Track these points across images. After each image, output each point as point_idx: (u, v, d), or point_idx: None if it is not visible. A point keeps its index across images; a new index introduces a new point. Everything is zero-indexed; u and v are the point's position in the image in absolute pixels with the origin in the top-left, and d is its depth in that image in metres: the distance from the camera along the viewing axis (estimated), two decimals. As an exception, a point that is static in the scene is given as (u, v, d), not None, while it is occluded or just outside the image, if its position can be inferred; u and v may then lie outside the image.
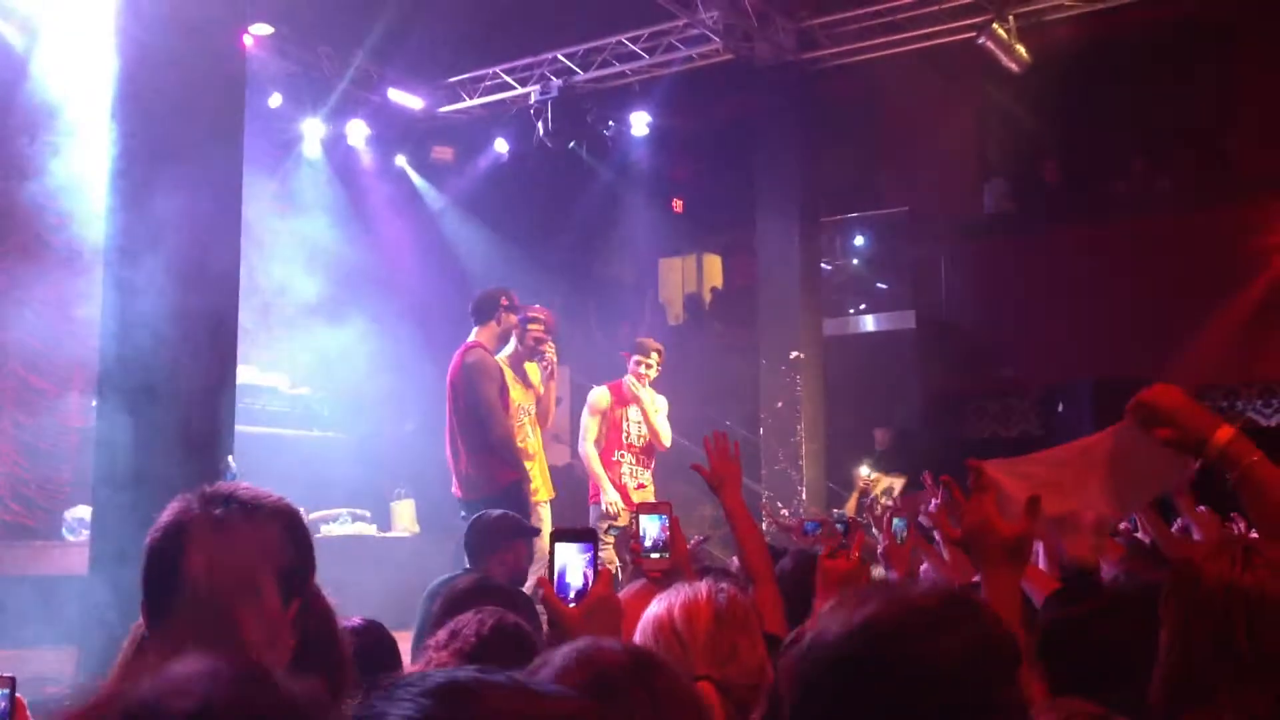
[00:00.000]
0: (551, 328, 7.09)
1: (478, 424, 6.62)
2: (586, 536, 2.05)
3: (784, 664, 1.28)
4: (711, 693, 1.91)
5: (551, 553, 2.03)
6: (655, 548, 2.60)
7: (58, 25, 8.25)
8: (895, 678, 1.16)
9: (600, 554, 6.16)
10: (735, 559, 4.19)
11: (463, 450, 6.74)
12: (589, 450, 7.53)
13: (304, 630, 1.87)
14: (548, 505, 7.02)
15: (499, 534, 4.79)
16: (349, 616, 3.03)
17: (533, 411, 7.11)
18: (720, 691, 1.93)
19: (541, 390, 7.16)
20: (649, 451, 7.71)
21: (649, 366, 7.64)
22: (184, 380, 4.98)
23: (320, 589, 2.50)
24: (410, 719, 0.73)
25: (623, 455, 7.58)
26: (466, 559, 4.80)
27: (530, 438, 7.02)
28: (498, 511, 5.02)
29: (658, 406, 7.65)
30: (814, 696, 1.19)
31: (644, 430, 7.61)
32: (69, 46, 8.10)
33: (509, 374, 6.91)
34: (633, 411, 7.63)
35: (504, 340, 6.97)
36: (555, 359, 7.04)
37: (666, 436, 7.67)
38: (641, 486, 7.58)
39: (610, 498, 7.36)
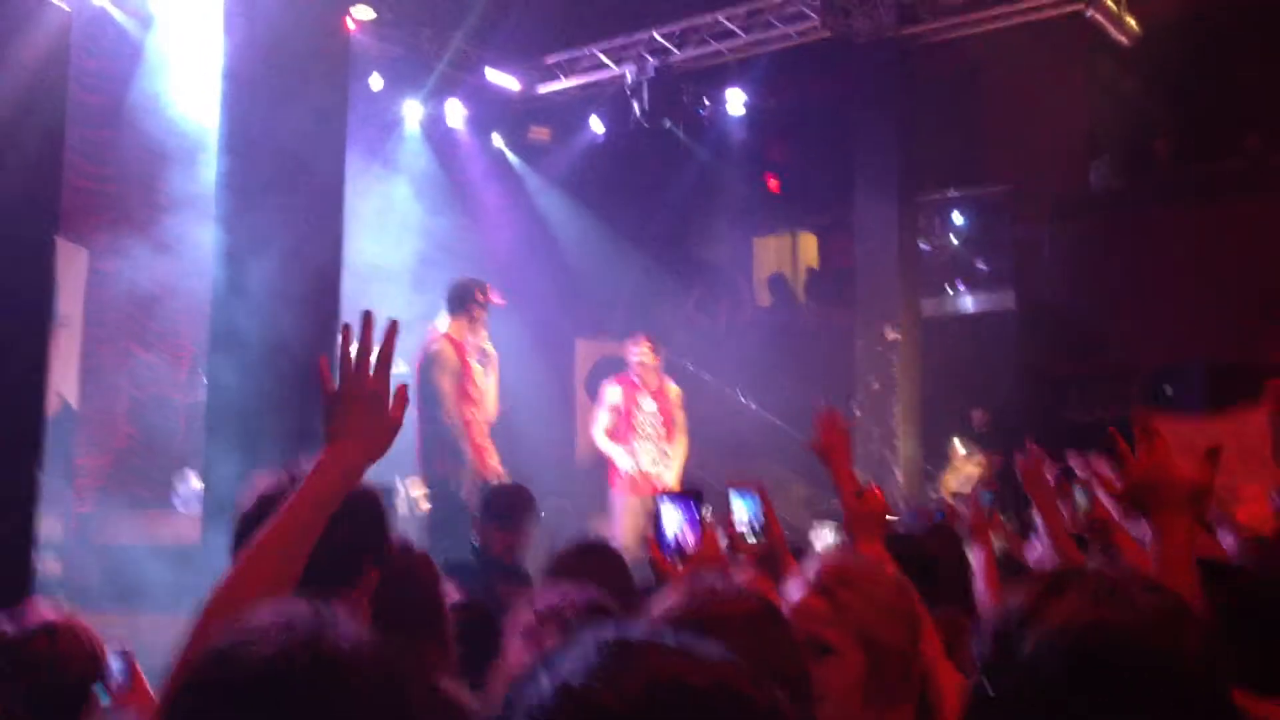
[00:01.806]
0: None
1: (429, 412, 6.74)
2: (690, 496, 2.05)
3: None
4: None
5: (657, 512, 2.04)
6: (751, 529, 2.54)
7: (172, 13, 8.49)
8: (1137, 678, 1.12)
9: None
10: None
11: (416, 435, 6.85)
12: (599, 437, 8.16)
13: (398, 601, 1.91)
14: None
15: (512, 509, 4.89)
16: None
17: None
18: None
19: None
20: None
21: (642, 357, 8.16)
22: (291, 345, 5.10)
23: (426, 562, 2.55)
24: (583, 669, 0.76)
25: (641, 444, 8.11)
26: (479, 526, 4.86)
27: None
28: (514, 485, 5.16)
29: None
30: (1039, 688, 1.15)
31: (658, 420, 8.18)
32: (183, 33, 8.33)
33: (478, 370, 7.02)
34: (645, 402, 8.18)
35: (475, 333, 7.04)
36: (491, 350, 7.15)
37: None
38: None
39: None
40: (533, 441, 10.44)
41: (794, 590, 1.76)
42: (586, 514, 9.25)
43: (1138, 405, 11.40)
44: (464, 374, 6.89)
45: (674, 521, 2.03)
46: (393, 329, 1.73)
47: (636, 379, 8.15)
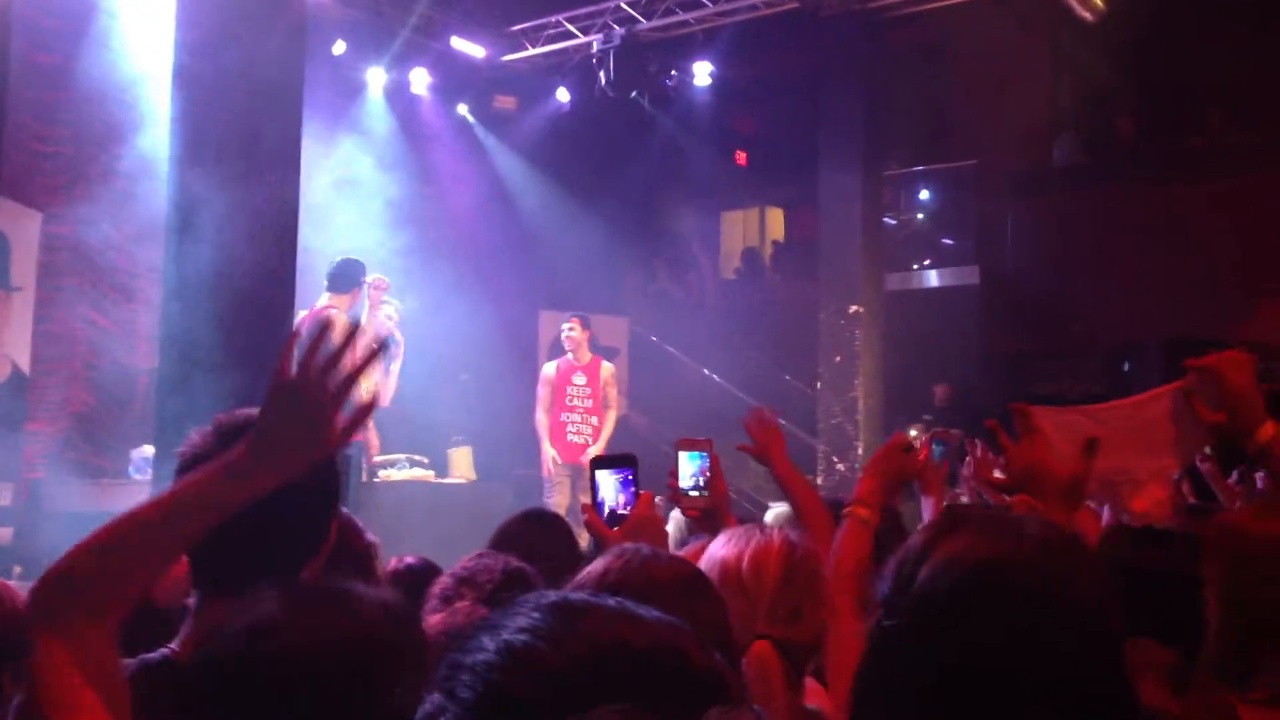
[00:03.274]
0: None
1: None
2: (625, 462, 2.05)
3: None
4: (769, 651, 1.87)
5: (593, 478, 2.03)
6: (695, 486, 2.53)
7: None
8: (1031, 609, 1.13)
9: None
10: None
11: None
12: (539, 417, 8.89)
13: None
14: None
15: None
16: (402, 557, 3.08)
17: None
18: (779, 650, 1.88)
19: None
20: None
21: (571, 333, 8.93)
22: (247, 311, 5.04)
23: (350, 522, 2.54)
24: (526, 629, 0.76)
25: (569, 417, 8.87)
26: None
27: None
28: None
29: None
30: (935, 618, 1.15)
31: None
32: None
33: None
34: (576, 377, 8.95)
35: (352, 314, 7.21)
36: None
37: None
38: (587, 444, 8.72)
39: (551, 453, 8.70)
40: (495, 412, 10.40)
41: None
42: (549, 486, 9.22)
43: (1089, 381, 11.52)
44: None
45: (609, 487, 2.02)
46: (351, 333, 1.50)
47: (570, 356, 8.91)
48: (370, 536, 2.53)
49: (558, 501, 8.44)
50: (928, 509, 3.35)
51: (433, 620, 2.22)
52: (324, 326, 1.52)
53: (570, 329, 8.93)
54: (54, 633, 1.32)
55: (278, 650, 1.17)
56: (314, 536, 1.70)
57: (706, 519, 2.43)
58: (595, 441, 8.77)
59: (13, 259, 8.37)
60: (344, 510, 2.53)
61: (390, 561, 2.97)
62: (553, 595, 0.80)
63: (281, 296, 5.47)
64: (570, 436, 8.81)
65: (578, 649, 0.75)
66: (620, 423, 12.24)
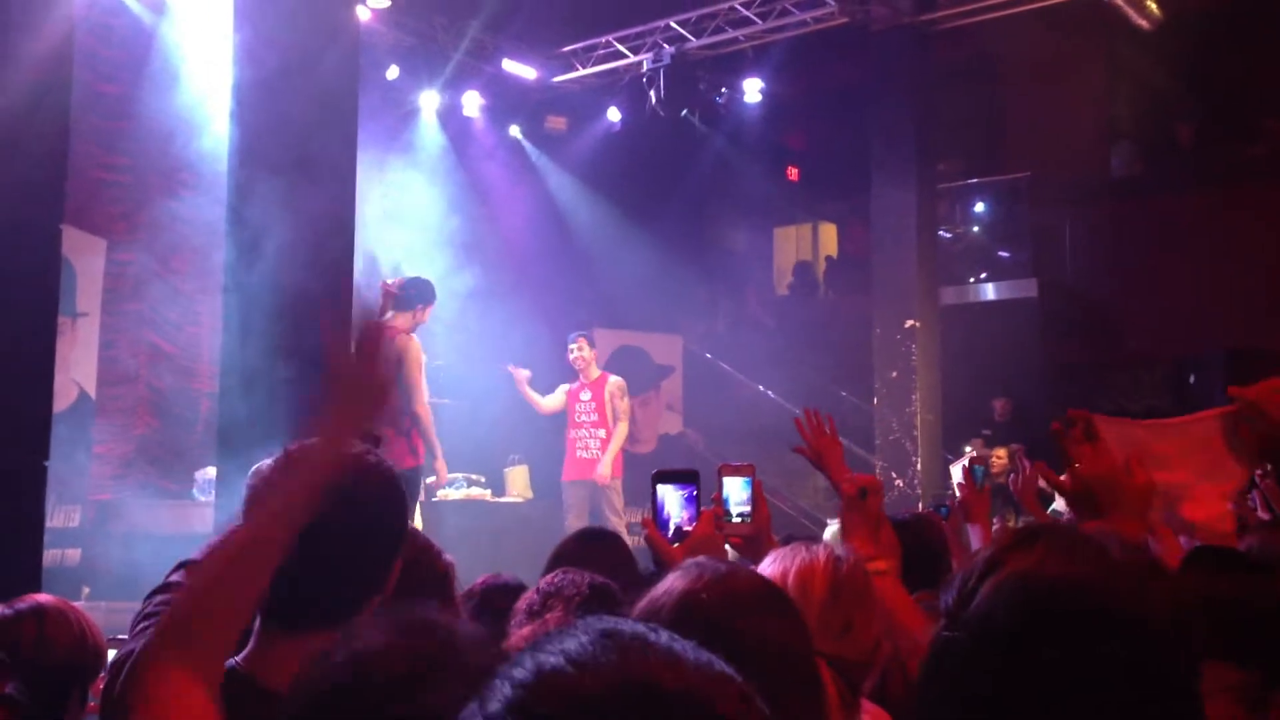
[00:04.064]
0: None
1: (402, 406, 6.86)
2: (688, 478, 2.03)
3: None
4: (823, 669, 1.84)
5: (654, 492, 2.01)
6: (739, 512, 2.51)
7: (185, 1, 8.51)
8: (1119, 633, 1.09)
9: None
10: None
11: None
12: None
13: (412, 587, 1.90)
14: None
15: None
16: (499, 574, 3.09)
17: None
18: (831, 668, 1.86)
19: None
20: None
21: (578, 352, 8.89)
22: (300, 340, 5.10)
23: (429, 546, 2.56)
24: (566, 653, 0.78)
25: (576, 434, 8.88)
26: None
27: None
28: None
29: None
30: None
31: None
32: (196, 20, 8.35)
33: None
34: (583, 394, 8.94)
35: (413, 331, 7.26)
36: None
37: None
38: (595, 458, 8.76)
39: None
40: (550, 430, 10.43)
41: None
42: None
43: (1156, 395, 11.31)
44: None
45: (674, 502, 2.01)
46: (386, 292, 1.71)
47: (578, 375, 8.92)
48: (448, 557, 2.56)
49: (571, 523, 8.33)
50: (975, 536, 3.29)
51: (522, 633, 2.24)
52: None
53: (577, 349, 8.89)
54: (164, 689, 1.33)
55: (381, 680, 1.19)
56: (378, 574, 1.71)
57: (749, 545, 2.41)
58: (603, 453, 8.71)
59: (79, 286, 8.55)
60: (421, 533, 2.55)
61: (483, 577, 2.99)
62: (609, 623, 0.81)
63: (340, 316, 5.53)
64: (579, 453, 8.82)
65: (606, 680, 0.76)
66: (676, 439, 12.27)
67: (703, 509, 2.01)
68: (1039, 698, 1.08)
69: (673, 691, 0.76)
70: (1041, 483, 4.02)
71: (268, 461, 1.74)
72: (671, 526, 2.00)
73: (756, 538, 2.39)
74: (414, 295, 7.21)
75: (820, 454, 2.91)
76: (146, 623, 1.78)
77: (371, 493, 1.69)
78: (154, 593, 1.86)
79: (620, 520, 8.49)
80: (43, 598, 2.21)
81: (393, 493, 1.74)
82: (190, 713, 1.33)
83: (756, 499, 2.49)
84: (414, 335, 7.19)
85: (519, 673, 0.78)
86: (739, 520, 2.47)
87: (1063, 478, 2.02)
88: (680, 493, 2.02)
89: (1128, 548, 1.18)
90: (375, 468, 1.72)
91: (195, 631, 1.37)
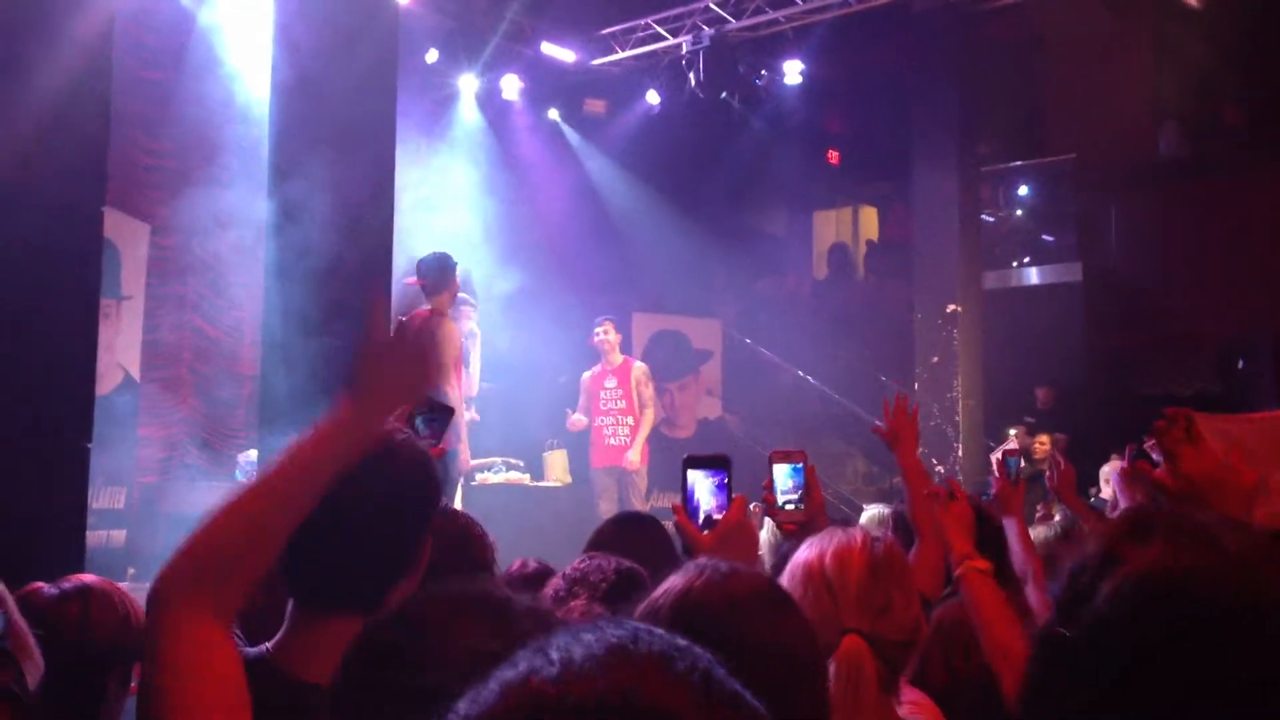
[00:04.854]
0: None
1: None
2: (718, 463, 2.00)
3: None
4: (861, 647, 1.82)
5: (684, 478, 1.99)
6: (790, 499, 2.48)
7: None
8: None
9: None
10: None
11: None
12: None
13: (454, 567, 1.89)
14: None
15: None
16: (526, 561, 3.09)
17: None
18: (870, 645, 1.84)
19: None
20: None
21: (603, 336, 8.83)
22: (341, 319, 5.11)
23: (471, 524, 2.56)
24: (554, 659, 0.77)
25: (603, 420, 8.79)
26: None
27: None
28: None
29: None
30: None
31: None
32: (235, 6, 8.38)
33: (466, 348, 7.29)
34: (608, 380, 8.84)
35: (458, 310, 7.27)
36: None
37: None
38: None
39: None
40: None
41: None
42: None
43: (1206, 382, 11.13)
44: (459, 352, 7.10)
45: (704, 489, 1.98)
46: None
47: (602, 361, 8.86)
48: (490, 538, 2.55)
49: (604, 508, 8.36)
50: (1010, 530, 3.25)
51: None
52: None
53: (604, 332, 8.83)
54: (178, 624, 1.33)
55: (438, 661, 1.16)
56: (409, 553, 1.70)
57: (803, 532, 2.38)
58: (632, 443, 8.68)
59: (123, 269, 8.63)
60: (464, 512, 2.54)
61: (514, 564, 2.99)
62: (612, 629, 0.79)
63: (380, 291, 5.54)
64: (608, 440, 8.76)
65: (585, 694, 0.74)
66: (715, 424, 12.23)
67: (735, 495, 1.98)
68: (1166, 702, 1.04)
69: (642, 707, 0.74)
70: (1107, 483, 3.97)
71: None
72: (701, 514, 1.97)
73: (810, 525, 2.36)
74: (438, 277, 6.93)
75: (897, 436, 2.90)
76: None
77: (400, 471, 1.68)
78: None
79: (643, 506, 8.49)
80: (88, 578, 2.22)
81: (421, 472, 1.73)
82: (209, 647, 1.33)
83: (809, 485, 2.47)
84: (448, 315, 7.10)
85: (509, 674, 0.76)
86: (790, 508, 2.44)
87: (1163, 476, 1.97)
88: (711, 479, 1.99)
89: (1244, 530, 1.12)
90: (405, 446, 1.71)
91: (211, 568, 1.37)
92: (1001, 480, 3.43)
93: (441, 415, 1.90)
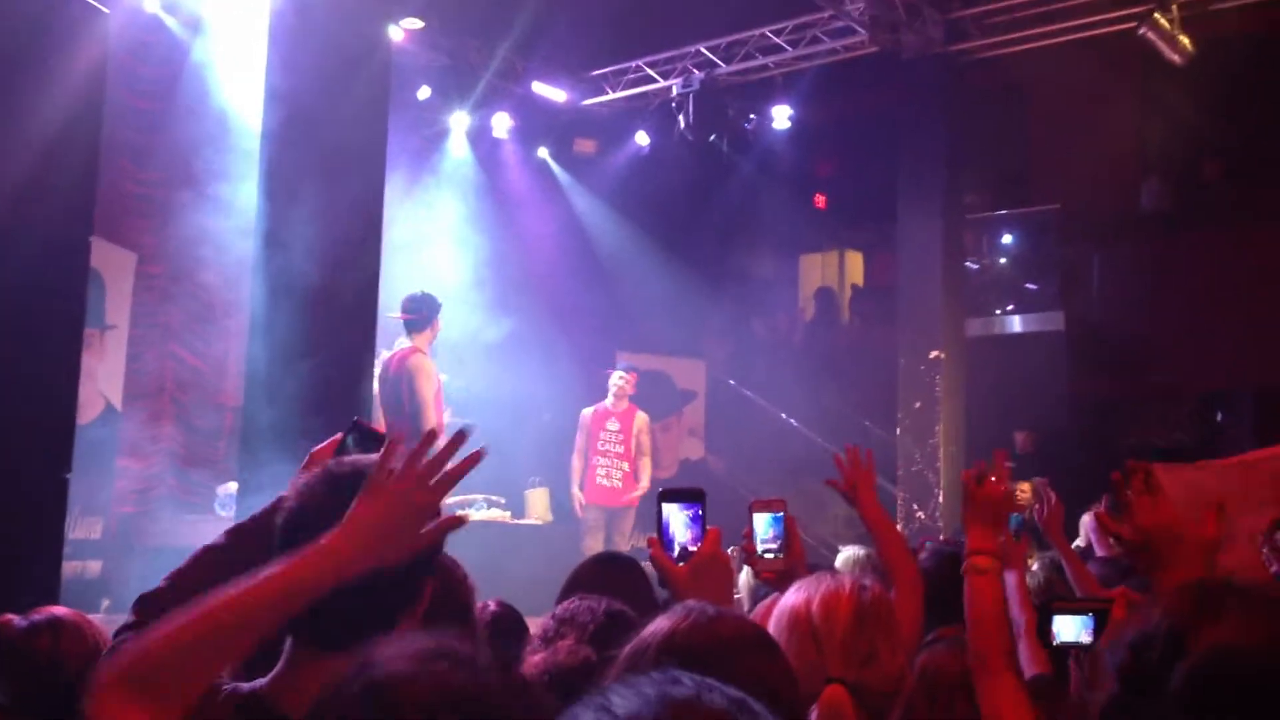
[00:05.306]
0: None
1: (413, 425, 6.93)
2: (693, 496, 2.01)
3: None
4: (843, 696, 1.82)
5: (660, 512, 2.00)
6: (769, 548, 2.49)
7: (221, 19, 8.59)
8: None
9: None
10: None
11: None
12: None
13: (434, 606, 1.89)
14: None
15: None
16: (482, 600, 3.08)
17: None
18: (854, 696, 1.84)
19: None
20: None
21: (619, 383, 9.20)
22: (326, 350, 5.12)
23: (454, 565, 2.55)
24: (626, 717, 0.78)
25: (599, 460, 9.09)
26: None
27: None
28: None
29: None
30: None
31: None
32: (230, 39, 8.43)
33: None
34: (610, 423, 9.19)
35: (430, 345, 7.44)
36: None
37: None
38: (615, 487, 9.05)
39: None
40: (571, 456, 10.42)
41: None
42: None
43: (1185, 431, 11.20)
44: (438, 388, 7.22)
45: (679, 522, 1.99)
46: (475, 457, 1.56)
47: (609, 403, 9.17)
48: (471, 581, 2.55)
49: (589, 545, 8.63)
50: (1010, 583, 3.26)
51: (534, 660, 2.23)
52: (429, 437, 1.58)
53: (623, 380, 9.22)
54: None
55: (398, 709, 1.17)
56: (409, 596, 1.69)
57: (781, 581, 2.39)
58: (629, 489, 9.00)
59: (108, 298, 8.61)
60: (449, 555, 2.53)
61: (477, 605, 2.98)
62: (675, 689, 0.80)
63: (363, 339, 5.55)
64: (599, 479, 9.02)
65: None
66: (697, 465, 12.23)
67: (710, 528, 2.00)
68: None
69: None
70: (1088, 529, 3.97)
71: (305, 481, 1.71)
72: (676, 546, 1.98)
73: (789, 574, 2.36)
74: (426, 314, 7.36)
75: (854, 488, 2.89)
76: (125, 635, 1.74)
77: None
78: (138, 602, 1.82)
79: (624, 542, 8.78)
80: (59, 610, 2.21)
81: None
82: None
83: (789, 535, 2.47)
84: (427, 353, 7.28)
85: None
86: (769, 556, 2.45)
87: (1120, 528, 1.98)
88: (686, 512, 2.00)
89: None
90: None
91: (159, 676, 1.33)
92: (1004, 536, 3.45)
93: (374, 441, 1.89)
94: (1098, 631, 2.20)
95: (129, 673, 1.34)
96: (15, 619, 2.16)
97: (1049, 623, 2.33)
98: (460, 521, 1.60)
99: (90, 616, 2.28)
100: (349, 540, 1.45)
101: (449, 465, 1.54)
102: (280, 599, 1.41)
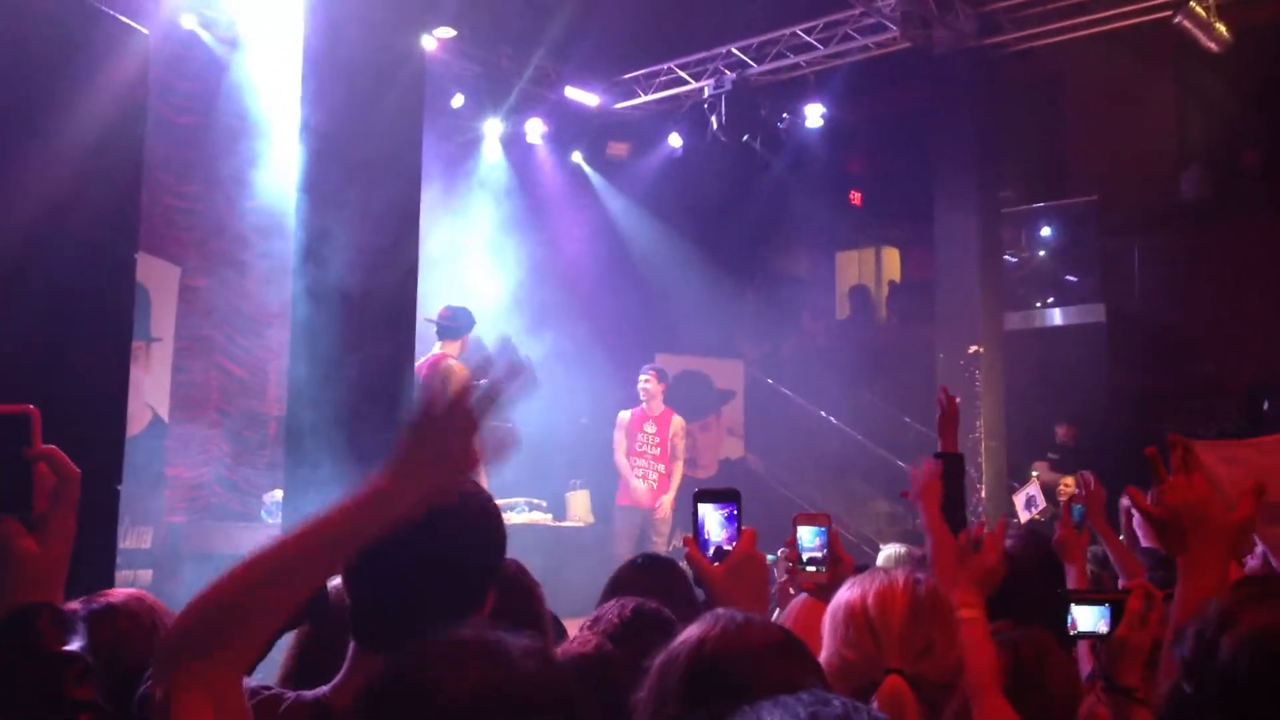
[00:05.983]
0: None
1: None
2: (728, 497, 2.04)
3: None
4: (903, 687, 1.83)
5: (695, 512, 2.03)
6: (812, 561, 2.49)
7: (258, 35, 8.71)
8: None
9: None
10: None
11: None
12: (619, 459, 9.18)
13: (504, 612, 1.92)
14: None
15: None
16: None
17: None
18: (912, 687, 1.85)
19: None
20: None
21: (646, 385, 9.22)
22: (367, 364, 5.18)
23: (522, 572, 2.59)
24: None
25: (636, 462, 9.17)
26: None
27: None
28: None
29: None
30: None
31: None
32: (267, 54, 8.54)
33: None
34: (647, 426, 9.24)
35: (464, 360, 7.57)
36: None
37: None
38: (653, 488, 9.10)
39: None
40: (611, 458, 10.47)
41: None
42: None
43: (1230, 422, 11.06)
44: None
45: (714, 522, 2.02)
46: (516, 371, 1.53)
47: (643, 405, 9.22)
48: (541, 590, 2.58)
49: (620, 547, 8.71)
50: (1070, 576, 3.26)
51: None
52: (450, 375, 1.61)
53: (646, 380, 9.25)
54: (188, 681, 1.32)
55: (431, 706, 1.19)
56: (473, 598, 1.71)
57: (822, 593, 2.39)
58: (663, 491, 9.01)
59: (153, 311, 8.75)
60: (516, 561, 2.55)
61: None
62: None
63: (401, 346, 5.61)
64: (635, 481, 9.05)
65: None
66: (737, 464, 12.23)
67: (745, 528, 2.02)
68: None
69: None
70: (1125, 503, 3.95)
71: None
72: (712, 546, 2.02)
73: (833, 587, 2.37)
74: (460, 325, 7.60)
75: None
76: None
77: (469, 520, 1.70)
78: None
79: (662, 544, 8.79)
80: (115, 596, 2.22)
81: (489, 519, 1.75)
82: (216, 703, 1.32)
83: (834, 548, 2.47)
84: (457, 361, 7.43)
85: None
86: (812, 569, 2.46)
87: (1149, 505, 1.97)
88: (721, 512, 2.03)
89: None
90: (473, 495, 1.73)
91: (222, 628, 1.36)
92: (1065, 526, 3.44)
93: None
94: (1114, 621, 2.22)
95: (191, 629, 1.36)
96: (78, 607, 2.18)
97: (1067, 612, 2.35)
98: (511, 442, 1.60)
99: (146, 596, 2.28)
100: (392, 475, 1.45)
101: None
102: (342, 535, 1.42)
